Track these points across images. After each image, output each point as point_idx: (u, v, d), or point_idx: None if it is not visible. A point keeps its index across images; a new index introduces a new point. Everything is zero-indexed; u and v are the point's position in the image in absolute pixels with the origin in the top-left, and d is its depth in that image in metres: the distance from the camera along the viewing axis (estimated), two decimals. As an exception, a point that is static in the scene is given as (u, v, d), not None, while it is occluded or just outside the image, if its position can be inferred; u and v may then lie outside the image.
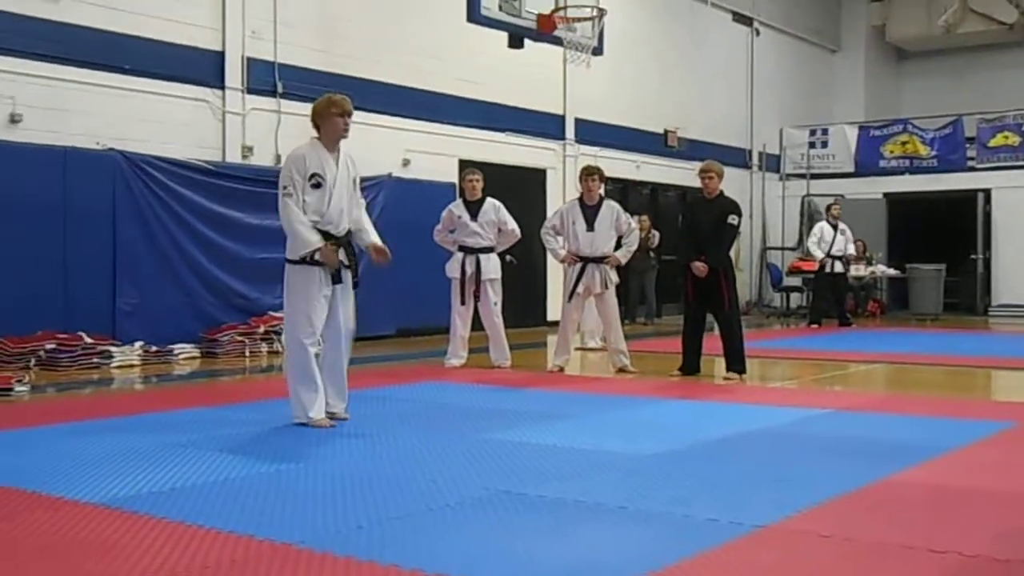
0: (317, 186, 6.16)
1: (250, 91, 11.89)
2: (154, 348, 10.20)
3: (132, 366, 9.81)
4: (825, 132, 21.58)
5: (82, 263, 10.04)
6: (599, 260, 9.40)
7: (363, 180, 6.77)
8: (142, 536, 3.71)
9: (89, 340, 9.68)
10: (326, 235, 6.16)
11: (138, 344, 10.09)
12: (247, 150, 11.79)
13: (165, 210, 10.74)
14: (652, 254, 16.40)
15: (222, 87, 11.66)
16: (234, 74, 11.75)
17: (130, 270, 10.43)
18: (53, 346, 9.42)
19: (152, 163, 10.65)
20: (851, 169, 21.13)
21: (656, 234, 16.48)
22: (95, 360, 9.62)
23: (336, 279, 6.23)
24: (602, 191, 9.65)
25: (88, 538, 3.71)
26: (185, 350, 10.48)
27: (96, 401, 7.84)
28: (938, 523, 3.99)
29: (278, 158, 11.92)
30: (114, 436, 5.85)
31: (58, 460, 5.12)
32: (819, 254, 15.89)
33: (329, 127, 6.27)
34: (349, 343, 6.47)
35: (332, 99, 6.31)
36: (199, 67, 11.44)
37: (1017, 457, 5.43)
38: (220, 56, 11.66)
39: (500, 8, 11.39)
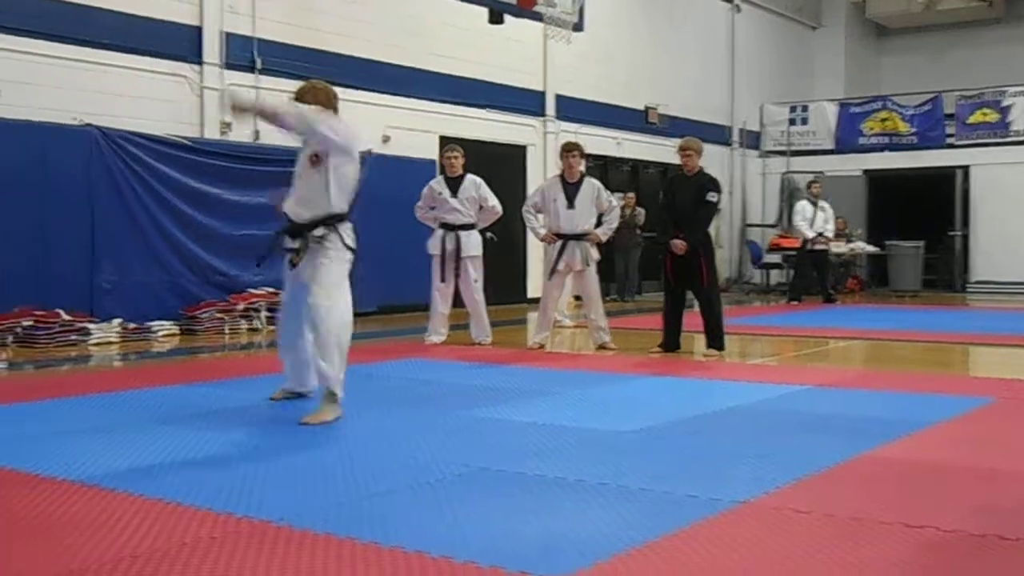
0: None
1: (228, 66, 11.80)
2: (132, 325, 10.15)
3: (110, 343, 9.76)
4: (805, 109, 21.63)
5: (60, 239, 9.97)
6: (579, 237, 9.39)
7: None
8: (120, 513, 3.70)
9: (67, 317, 9.63)
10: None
11: (116, 321, 10.03)
12: (225, 126, 11.71)
13: (143, 186, 10.66)
14: (638, 231, 16.41)
15: (200, 62, 11.57)
16: (212, 49, 11.66)
17: (108, 247, 10.35)
18: (30, 323, 9.37)
19: (130, 139, 10.56)
20: (831, 146, 21.21)
21: (641, 211, 16.49)
22: (73, 337, 9.57)
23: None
24: (583, 168, 9.63)
25: (66, 515, 3.69)
26: (164, 327, 10.43)
27: (74, 378, 7.80)
28: (915, 498, 4.01)
29: (256, 134, 11.86)
30: (92, 413, 5.82)
31: (35, 437, 5.09)
32: (809, 232, 15.89)
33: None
34: None
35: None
36: (177, 42, 11.34)
37: (994, 433, 5.46)
38: (197, 31, 11.57)
39: (481, -17, 11.35)
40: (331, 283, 5.80)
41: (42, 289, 9.76)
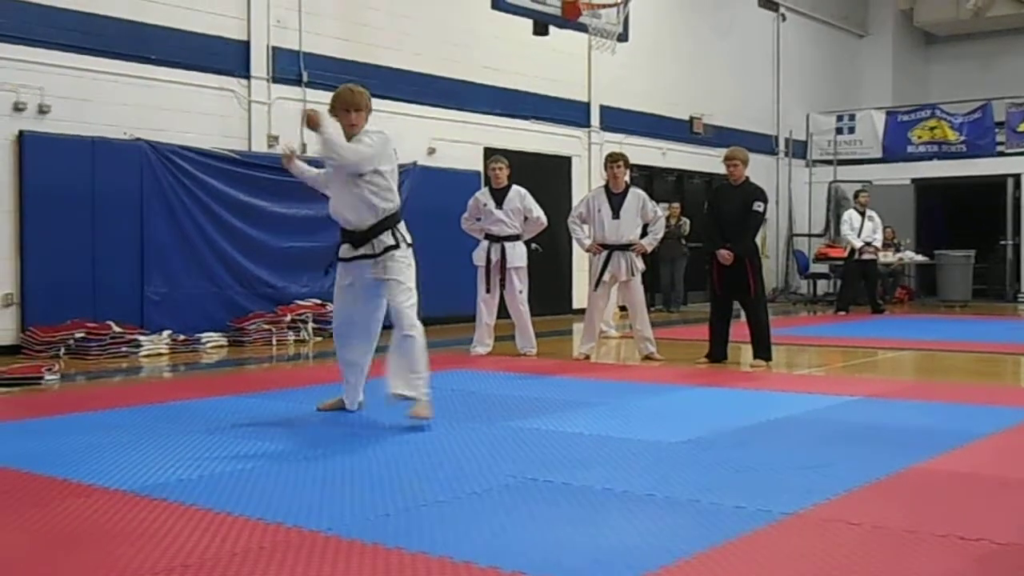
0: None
1: (275, 80, 11.91)
2: (182, 337, 10.26)
3: (160, 355, 9.87)
4: (852, 118, 21.43)
5: (110, 253, 10.12)
6: (625, 248, 9.38)
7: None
8: (172, 523, 3.74)
9: (118, 329, 9.75)
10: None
11: (166, 333, 10.15)
12: (273, 139, 11.80)
13: (192, 199, 10.80)
14: (683, 242, 16.35)
15: (247, 76, 11.68)
16: (259, 63, 11.77)
17: (158, 259, 10.50)
18: (82, 335, 9.50)
19: (179, 152, 10.70)
20: (879, 155, 20.98)
21: (686, 221, 16.42)
22: (124, 349, 9.69)
23: None
24: (628, 178, 9.62)
25: (118, 525, 3.74)
26: (212, 339, 10.53)
27: (125, 390, 7.90)
28: (968, 511, 3.96)
29: (304, 147, 11.93)
30: (143, 424, 5.89)
31: (88, 448, 5.16)
32: (857, 243, 15.75)
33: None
34: None
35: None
36: (225, 57, 11.47)
37: (1048, 444, 5.38)
38: (245, 45, 11.69)
39: (524, -5, 11.39)
40: (412, 287, 5.99)
41: (94, 301, 9.91)
